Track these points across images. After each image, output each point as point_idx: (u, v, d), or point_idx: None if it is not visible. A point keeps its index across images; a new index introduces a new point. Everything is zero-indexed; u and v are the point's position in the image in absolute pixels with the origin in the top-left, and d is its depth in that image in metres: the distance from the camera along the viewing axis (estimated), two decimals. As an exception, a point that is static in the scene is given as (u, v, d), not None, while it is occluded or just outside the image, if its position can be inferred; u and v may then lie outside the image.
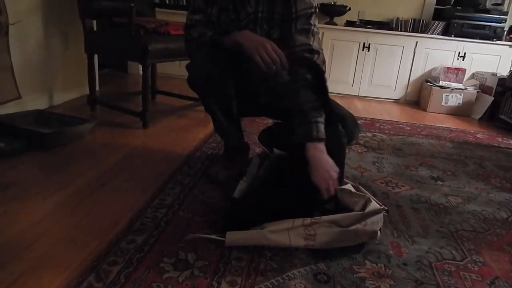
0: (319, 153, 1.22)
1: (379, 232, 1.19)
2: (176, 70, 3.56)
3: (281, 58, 1.25)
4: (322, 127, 1.24)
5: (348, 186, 1.30)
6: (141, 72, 2.14)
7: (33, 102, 2.22)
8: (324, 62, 1.36)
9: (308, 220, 1.12)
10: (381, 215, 1.20)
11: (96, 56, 2.56)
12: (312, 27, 1.33)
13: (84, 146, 1.86)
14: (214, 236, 1.14)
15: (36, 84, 2.28)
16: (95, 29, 2.41)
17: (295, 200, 1.18)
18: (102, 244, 1.10)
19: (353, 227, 1.13)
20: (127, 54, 2.25)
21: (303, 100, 1.27)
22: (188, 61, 1.44)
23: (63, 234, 1.15)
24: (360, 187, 1.37)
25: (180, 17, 3.12)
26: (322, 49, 1.36)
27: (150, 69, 2.16)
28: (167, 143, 1.99)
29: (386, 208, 1.22)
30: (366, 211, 1.15)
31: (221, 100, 1.43)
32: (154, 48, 2.03)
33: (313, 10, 1.32)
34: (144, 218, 1.25)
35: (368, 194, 1.32)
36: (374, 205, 1.19)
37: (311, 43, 1.32)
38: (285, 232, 1.12)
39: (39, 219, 1.22)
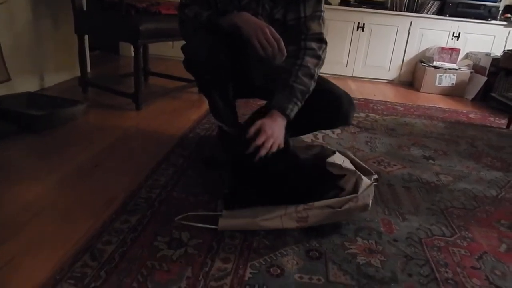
0: (273, 120, 1.25)
1: (370, 203, 1.18)
2: (168, 51, 3.51)
3: (278, 43, 1.24)
4: (296, 110, 1.28)
5: (337, 156, 1.29)
6: (133, 54, 2.12)
7: (23, 84, 2.19)
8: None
9: (301, 207, 1.12)
10: (371, 187, 1.20)
11: (87, 38, 2.51)
12: (322, 14, 1.33)
13: (76, 128, 1.85)
14: (206, 225, 1.13)
15: (26, 65, 2.25)
16: (85, 9, 2.37)
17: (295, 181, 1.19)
18: (96, 224, 1.11)
19: (346, 206, 1.14)
20: (118, 34, 2.22)
21: (297, 79, 1.28)
22: (182, 42, 1.42)
23: (56, 214, 1.16)
24: (348, 152, 1.38)
25: (171, -4, 3.07)
26: None
27: (142, 50, 2.13)
28: (160, 124, 1.99)
29: (376, 177, 1.23)
30: (359, 193, 1.15)
31: (219, 82, 1.42)
32: (145, 28, 2.01)
33: None
34: (138, 198, 1.26)
35: (357, 161, 1.32)
36: (365, 182, 1.19)
37: (323, 31, 1.33)
38: (277, 219, 1.12)
39: (32, 200, 1.22)
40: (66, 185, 1.33)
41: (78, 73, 2.37)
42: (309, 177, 1.20)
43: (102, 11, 2.21)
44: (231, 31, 1.26)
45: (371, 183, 1.20)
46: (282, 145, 1.23)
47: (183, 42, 1.43)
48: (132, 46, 2.07)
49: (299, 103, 1.29)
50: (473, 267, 1.07)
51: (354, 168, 1.25)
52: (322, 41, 1.32)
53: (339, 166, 1.25)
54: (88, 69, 2.64)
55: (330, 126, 1.67)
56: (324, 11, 1.34)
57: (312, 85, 1.31)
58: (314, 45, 1.31)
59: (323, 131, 2.02)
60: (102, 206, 1.21)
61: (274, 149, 1.19)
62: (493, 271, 1.06)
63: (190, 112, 2.21)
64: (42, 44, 2.35)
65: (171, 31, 2.13)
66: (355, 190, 1.17)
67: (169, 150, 1.66)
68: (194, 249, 1.04)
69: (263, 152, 1.16)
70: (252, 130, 1.20)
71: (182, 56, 1.41)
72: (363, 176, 1.21)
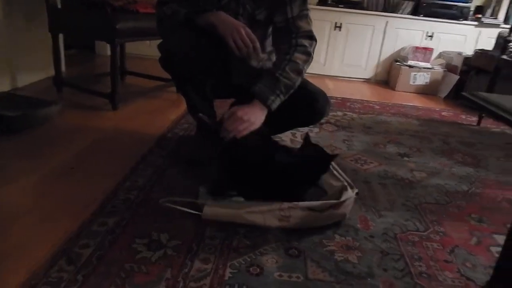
0: (251, 107, 1.25)
1: (348, 213, 1.24)
2: (146, 50, 3.47)
3: (254, 44, 1.25)
4: (278, 103, 1.29)
5: None
6: (109, 53, 2.08)
7: (-5, 84, 2.13)
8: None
9: (285, 205, 1.15)
10: (352, 199, 1.25)
11: (61, 36, 2.46)
12: (308, 12, 1.34)
13: (51, 129, 1.81)
14: (190, 210, 1.15)
15: (-3, 65, 2.19)
16: (59, 6, 2.31)
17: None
18: (73, 227, 1.09)
19: (327, 212, 1.17)
20: (94, 33, 2.18)
21: (283, 72, 1.28)
22: (160, 41, 1.41)
23: (32, 218, 1.14)
24: (333, 163, 1.42)
25: (148, -5, 3.03)
26: None
27: (118, 49, 2.10)
28: (138, 125, 1.97)
29: (357, 191, 1.28)
30: (341, 199, 1.19)
31: (195, 80, 1.42)
32: (122, 27, 1.98)
33: None
34: (115, 200, 1.25)
35: (342, 174, 1.36)
36: (349, 193, 1.23)
37: (312, 29, 1.34)
38: (261, 214, 1.14)
39: (6, 205, 1.19)
40: (42, 188, 1.31)
41: (53, 73, 2.32)
42: (292, 172, 1.21)
43: (77, 9, 2.16)
44: (207, 30, 1.26)
45: (353, 196, 1.24)
46: (256, 128, 1.23)
47: (161, 41, 1.42)
48: (108, 45, 2.04)
49: (282, 96, 1.28)
50: (445, 260, 1.11)
51: (341, 180, 1.31)
52: (312, 38, 1.34)
53: (330, 171, 1.30)
54: (63, 69, 2.58)
55: (306, 123, 1.68)
56: (309, 10, 1.35)
57: (298, 81, 1.32)
58: (305, 42, 1.32)
59: (300, 129, 2.04)
60: (79, 208, 1.19)
61: (246, 132, 1.19)
62: (464, 264, 1.10)
63: (168, 112, 2.20)
64: (14, 43, 2.29)
65: (148, 30, 2.10)
66: (338, 197, 1.21)
67: (147, 150, 1.64)
68: (174, 250, 1.04)
69: (232, 134, 1.17)
70: (226, 114, 1.20)
71: (159, 54, 1.40)
72: (348, 187, 1.25)
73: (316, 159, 1.21)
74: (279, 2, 1.32)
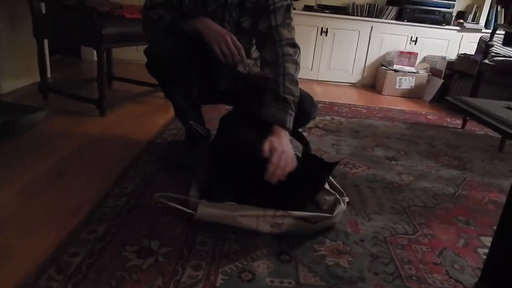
0: (280, 137, 1.23)
1: (337, 222, 1.26)
2: (132, 55, 3.44)
3: (239, 51, 1.26)
4: (292, 121, 1.28)
5: None
6: (95, 58, 2.06)
7: (-22, 90, 2.09)
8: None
9: (279, 212, 1.15)
10: (343, 210, 1.26)
11: (46, 41, 2.43)
12: (291, 21, 1.34)
13: (37, 136, 1.78)
14: (184, 208, 1.15)
15: (-20, 71, 2.14)
16: (43, 11, 2.28)
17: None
18: (62, 235, 1.08)
19: (318, 223, 1.19)
20: (80, 38, 2.15)
21: (286, 89, 1.27)
22: (146, 46, 1.40)
23: (19, 226, 1.12)
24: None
25: (134, 0, 3.02)
26: None
27: (105, 55, 2.08)
28: (126, 130, 1.95)
29: (348, 200, 1.30)
30: (334, 214, 1.20)
31: (182, 85, 1.42)
32: (108, 32, 1.96)
33: (289, 2, 1.33)
34: (104, 207, 1.23)
35: (333, 182, 1.38)
36: (341, 207, 1.24)
37: (294, 37, 1.34)
38: (254, 218, 1.15)
39: (-9, 213, 1.17)
40: (29, 195, 1.28)
41: (38, 78, 2.29)
42: (291, 180, 1.21)
43: (62, 14, 2.14)
44: (193, 36, 1.27)
45: (344, 209, 1.26)
46: (294, 160, 1.20)
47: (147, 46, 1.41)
48: (94, 50, 2.02)
49: (293, 114, 1.29)
50: (434, 262, 1.12)
51: (333, 192, 1.33)
52: (295, 46, 1.34)
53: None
54: (49, 74, 2.54)
55: (294, 126, 1.69)
56: (293, 19, 1.36)
57: (298, 91, 1.31)
58: (290, 50, 1.32)
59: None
60: (67, 216, 1.17)
61: (289, 169, 1.17)
62: (452, 266, 1.12)
63: (156, 117, 2.18)
64: (-3, 48, 2.25)
65: (135, 35, 2.09)
66: (331, 210, 1.22)
67: (136, 156, 1.63)
68: (164, 257, 1.03)
69: (279, 174, 1.15)
70: (267, 149, 1.17)
71: (146, 60, 1.39)
72: (341, 201, 1.26)
73: (316, 167, 1.22)
74: (263, 10, 1.33)
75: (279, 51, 1.32)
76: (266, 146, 1.18)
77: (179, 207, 1.16)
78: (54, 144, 1.70)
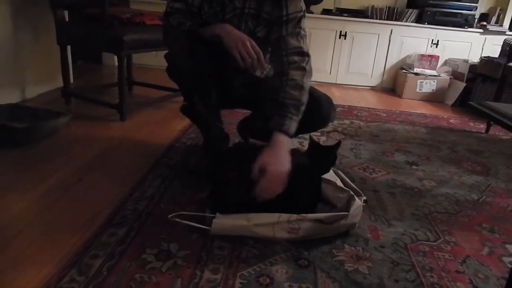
0: (275, 147, 1.20)
1: (357, 222, 1.23)
2: (152, 60, 3.50)
3: (258, 56, 1.26)
4: (294, 125, 1.24)
5: (330, 173, 1.32)
6: (116, 63, 2.11)
7: (4, 96, 2.15)
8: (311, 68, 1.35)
9: (294, 217, 1.13)
10: (361, 207, 1.24)
11: (69, 48, 2.49)
12: (301, 31, 1.34)
13: (59, 140, 1.82)
14: (199, 225, 1.14)
15: (6, 77, 2.21)
16: (67, 20, 2.35)
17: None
18: (83, 238, 1.10)
19: (336, 223, 1.16)
20: (102, 45, 2.20)
21: (285, 94, 1.27)
22: (167, 51, 1.42)
23: (41, 230, 1.14)
24: (340, 172, 1.42)
25: (154, 7, 3.08)
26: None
27: (125, 60, 2.12)
28: (146, 135, 1.98)
29: (365, 198, 1.27)
30: (350, 211, 1.17)
31: (201, 90, 1.43)
32: (129, 39, 2.00)
33: (302, 13, 1.33)
34: (124, 211, 1.25)
35: (348, 182, 1.36)
36: (357, 202, 1.22)
37: (302, 46, 1.33)
38: (269, 226, 1.13)
39: (15, 216, 1.20)
40: (51, 199, 1.31)
41: (61, 84, 2.35)
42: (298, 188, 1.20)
43: (84, 23, 2.19)
44: (213, 41, 1.28)
45: (361, 204, 1.24)
46: (288, 168, 1.16)
47: (167, 51, 1.44)
48: (115, 56, 2.07)
49: (295, 117, 1.25)
50: (457, 271, 1.09)
51: (347, 189, 1.31)
52: (303, 54, 1.32)
53: (333, 185, 1.29)
54: (71, 80, 2.60)
55: (312, 128, 1.66)
56: (303, 29, 1.34)
57: (304, 95, 1.29)
58: (296, 58, 1.31)
59: (307, 137, 2.04)
60: (88, 219, 1.20)
61: (278, 193, 1.15)
62: (476, 275, 1.08)
63: (175, 122, 2.21)
64: (22, 55, 2.32)
65: (155, 41, 2.13)
66: (347, 208, 1.20)
67: (155, 161, 1.65)
68: (183, 260, 1.04)
69: (266, 196, 1.13)
70: (256, 170, 1.14)
71: (165, 65, 1.42)
72: (355, 197, 1.24)
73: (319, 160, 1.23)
74: (276, 22, 1.33)
75: (284, 60, 1.31)
76: (256, 166, 1.14)
77: (193, 224, 1.14)
78: (76, 149, 1.74)
